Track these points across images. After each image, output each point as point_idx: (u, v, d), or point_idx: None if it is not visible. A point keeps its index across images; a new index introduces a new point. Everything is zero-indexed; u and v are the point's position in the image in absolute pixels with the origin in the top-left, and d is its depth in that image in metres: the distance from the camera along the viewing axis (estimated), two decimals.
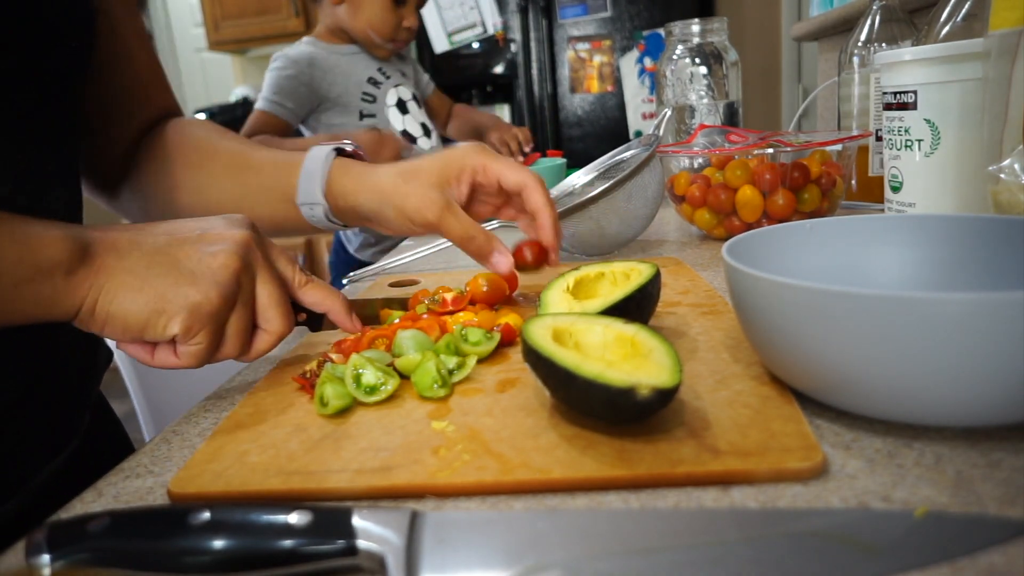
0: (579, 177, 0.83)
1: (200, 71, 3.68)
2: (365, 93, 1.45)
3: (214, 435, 0.37)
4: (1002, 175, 0.45)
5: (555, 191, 0.83)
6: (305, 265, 2.88)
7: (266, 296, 0.42)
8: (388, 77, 1.49)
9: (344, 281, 0.80)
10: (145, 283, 0.38)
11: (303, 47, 1.44)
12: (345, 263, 1.56)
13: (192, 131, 0.60)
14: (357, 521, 0.26)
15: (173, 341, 0.39)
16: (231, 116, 3.14)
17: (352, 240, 1.56)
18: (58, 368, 0.50)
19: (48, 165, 0.47)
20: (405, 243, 0.98)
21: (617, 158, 0.81)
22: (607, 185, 0.68)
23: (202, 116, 3.09)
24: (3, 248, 0.34)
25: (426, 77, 1.66)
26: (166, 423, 0.43)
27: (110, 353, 0.61)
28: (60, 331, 0.51)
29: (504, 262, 0.53)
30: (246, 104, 3.25)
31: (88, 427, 0.54)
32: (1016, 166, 0.44)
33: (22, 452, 0.46)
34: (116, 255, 0.38)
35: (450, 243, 0.77)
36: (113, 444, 0.60)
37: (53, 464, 0.48)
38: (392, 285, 0.69)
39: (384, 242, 1.52)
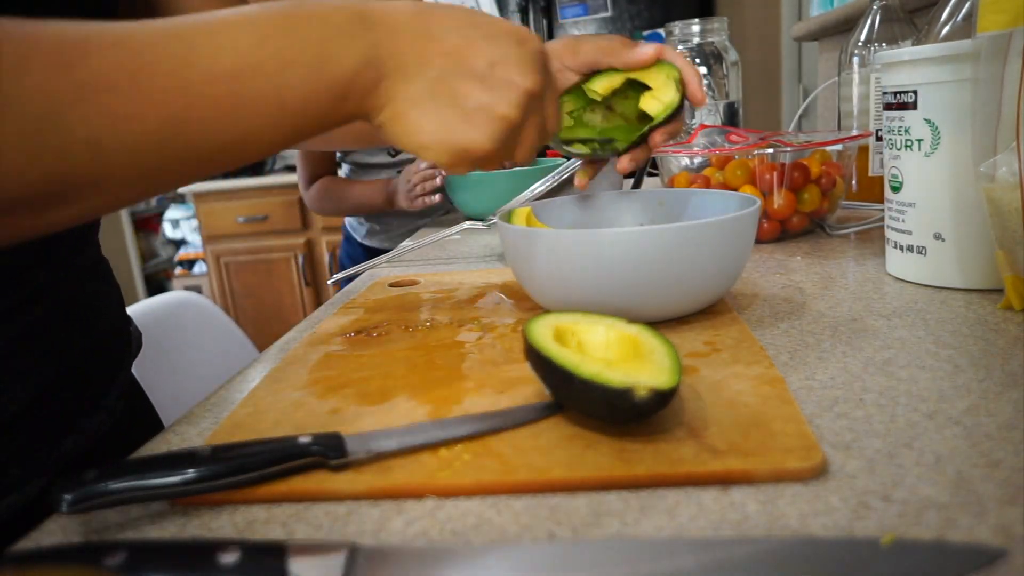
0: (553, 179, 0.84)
1: None
2: None
3: (214, 435, 0.37)
4: (996, 173, 0.45)
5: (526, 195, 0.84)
6: (306, 264, 2.88)
7: (526, 148, 0.43)
8: None
9: (330, 282, 0.80)
10: (425, 114, 0.38)
11: None
12: (351, 257, 1.58)
13: None
14: (290, 559, 0.25)
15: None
16: None
17: (358, 229, 1.57)
18: (95, 349, 0.51)
19: None
20: (404, 243, 0.98)
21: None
22: (558, 180, 0.73)
23: None
24: (299, 63, 0.34)
25: None
26: (166, 423, 0.43)
27: (140, 337, 0.61)
28: (101, 310, 0.53)
29: (648, 50, 0.55)
30: None
31: (121, 413, 0.55)
32: (1008, 165, 0.44)
33: (51, 431, 0.47)
34: (403, 78, 0.37)
35: (441, 239, 0.77)
36: (145, 428, 0.61)
37: (71, 441, 0.49)
38: (392, 285, 0.69)
39: (391, 231, 1.53)
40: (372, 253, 1.53)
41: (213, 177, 3.00)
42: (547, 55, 0.42)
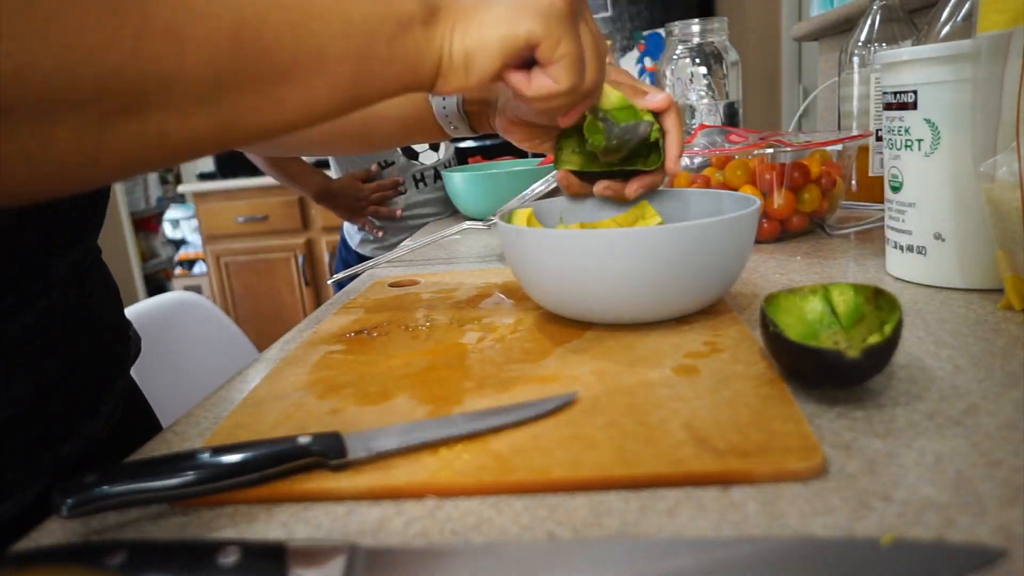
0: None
1: None
2: None
3: (214, 435, 0.37)
4: (996, 173, 0.45)
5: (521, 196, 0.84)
6: (306, 264, 2.89)
7: (588, 39, 0.44)
8: None
9: (330, 282, 0.80)
10: (488, 12, 0.40)
11: None
12: (344, 261, 1.58)
13: None
14: (290, 559, 0.25)
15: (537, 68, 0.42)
16: None
17: (353, 236, 1.57)
18: (93, 352, 0.51)
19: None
20: (404, 242, 0.98)
21: None
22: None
23: None
24: (370, 7, 0.37)
25: None
26: (166, 423, 0.43)
27: (139, 341, 0.61)
28: (99, 313, 0.54)
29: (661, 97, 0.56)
30: None
31: (120, 416, 0.55)
32: (1008, 165, 0.44)
33: (50, 435, 0.47)
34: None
35: (441, 239, 0.77)
36: (144, 432, 0.61)
37: (69, 445, 0.49)
38: (392, 285, 0.69)
39: (385, 240, 1.53)
40: (364, 261, 1.53)
41: (214, 177, 3.00)
42: None
